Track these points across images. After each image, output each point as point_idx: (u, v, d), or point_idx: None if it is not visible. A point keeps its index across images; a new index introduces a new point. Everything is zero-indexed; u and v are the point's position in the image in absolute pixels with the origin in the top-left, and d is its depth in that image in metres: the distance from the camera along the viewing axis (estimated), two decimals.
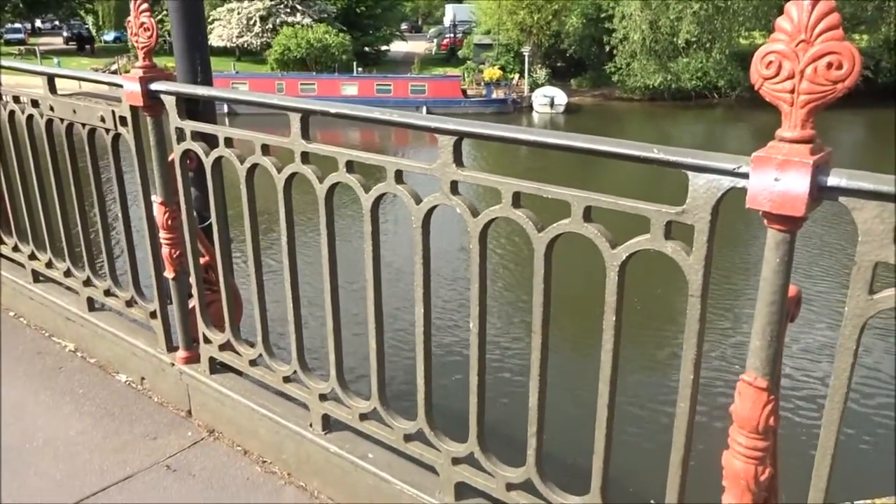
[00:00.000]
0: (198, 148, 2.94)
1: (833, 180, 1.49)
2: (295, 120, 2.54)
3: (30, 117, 3.79)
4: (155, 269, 3.37)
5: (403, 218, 16.23)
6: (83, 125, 3.44)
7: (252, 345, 3.11)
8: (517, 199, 2.07)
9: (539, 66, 47.25)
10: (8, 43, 57.32)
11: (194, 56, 3.30)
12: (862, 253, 1.51)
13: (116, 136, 3.30)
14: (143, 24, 2.97)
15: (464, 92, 43.03)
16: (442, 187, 2.23)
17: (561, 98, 42.38)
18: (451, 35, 64.42)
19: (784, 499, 1.88)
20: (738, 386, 1.73)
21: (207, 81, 3.35)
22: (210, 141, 2.92)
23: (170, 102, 2.99)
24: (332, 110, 2.48)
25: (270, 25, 51.44)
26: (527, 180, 2.06)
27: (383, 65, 55.79)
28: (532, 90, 44.19)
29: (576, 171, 16.99)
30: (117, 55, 51.82)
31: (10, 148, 4.08)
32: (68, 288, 4.10)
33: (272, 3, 51.91)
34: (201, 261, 3.22)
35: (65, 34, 65.80)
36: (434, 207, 2.30)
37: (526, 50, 45.82)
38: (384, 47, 59.35)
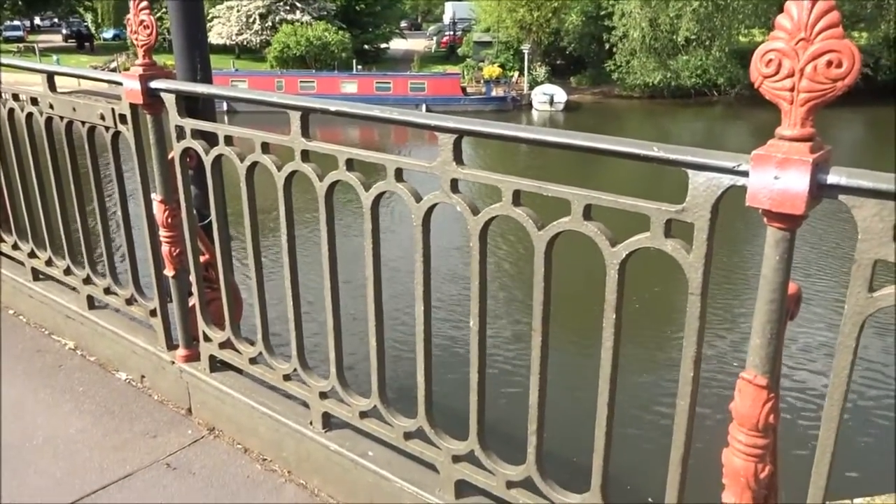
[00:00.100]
0: (198, 146, 2.93)
1: (833, 178, 1.49)
2: (295, 118, 2.54)
3: (29, 115, 3.79)
4: (155, 267, 3.37)
5: (404, 216, 16.23)
6: (83, 123, 3.43)
7: (252, 343, 3.11)
8: (517, 198, 2.07)
9: (539, 63, 47.20)
10: (7, 40, 57.23)
11: (194, 54, 3.30)
12: (861, 251, 1.51)
13: (116, 134, 3.30)
14: (142, 21, 2.97)
15: (463, 90, 42.98)
16: (442, 185, 2.23)
17: (560, 96, 42.36)
18: (451, 33, 64.33)
19: (784, 496, 1.88)
20: (738, 384, 1.73)
21: (207, 79, 3.35)
22: (210, 139, 2.92)
23: (169, 100, 2.99)
24: (332, 108, 2.48)
25: (270, 23, 51.39)
26: (527, 178, 2.06)
27: (383, 62, 55.74)
28: (532, 88, 44.17)
29: (576, 170, 16.99)
30: (116, 53, 51.74)
31: (9, 146, 4.07)
32: (68, 286, 4.10)
33: (271, 0, 51.87)
34: (201, 259, 3.22)
35: (64, 32, 65.73)
36: (434, 206, 2.30)
37: (525, 47, 45.79)
38: (384, 45, 59.29)
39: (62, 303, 4.08)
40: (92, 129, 3.42)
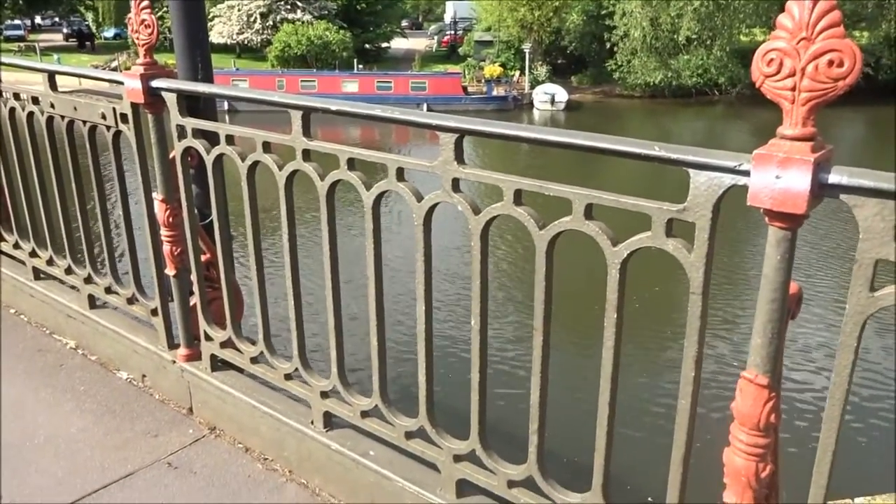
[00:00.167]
0: (199, 145, 2.94)
1: (834, 178, 1.49)
2: (296, 117, 2.54)
3: (30, 114, 3.79)
4: (156, 266, 3.37)
5: (403, 217, 16.24)
6: (84, 122, 3.44)
7: (253, 342, 3.11)
8: (518, 197, 2.07)
9: (540, 63, 47.16)
10: (8, 39, 57.25)
11: (195, 53, 3.30)
12: (863, 250, 1.51)
13: (117, 134, 3.30)
14: (143, 20, 2.97)
15: (464, 89, 42.94)
16: (443, 185, 2.23)
17: (562, 95, 42.32)
18: (452, 32, 64.24)
19: (785, 496, 1.88)
20: (739, 383, 1.73)
21: (208, 78, 3.35)
22: (211, 138, 2.92)
23: (171, 99, 2.99)
24: (333, 107, 2.48)
25: (271, 22, 51.35)
26: (528, 178, 2.06)
27: (384, 62, 55.72)
28: (533, 87, 44.12)
29: (577, 169, 17.01)
30: (117, 52, 51.72)
31: (10, 145, 4.08)
32: (69, 285, 4.10)
33: None
34: (202, 258, 3.22)
35: (65, 31, 65.73)
36: (435, 205, 2.30)
37: (526, 47, 45.75)
38: (385, 44, 59.23)
39: (63, 302, 4.08)
40: (93, 129, 3.42)
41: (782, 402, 1.76)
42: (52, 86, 3.61)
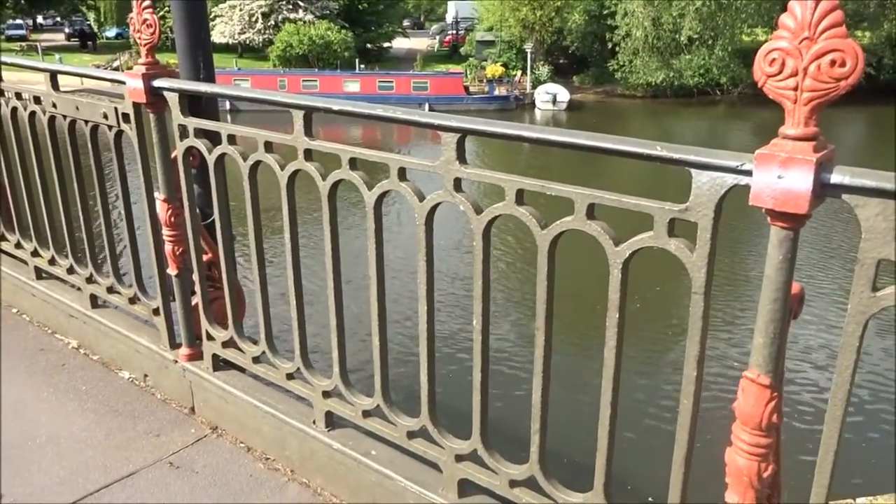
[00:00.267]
0: (201, 145, 2.94)
1: (836, 178, 1.49)
2: (298, 117, 2.54)
3: (32, 114, 3.79)
4: (158, 266, 3.37)
5: (403, 218, 16.25)
6: (86, 122, 3.44)
7: (255, 342, 3.11)
8: (520, 197, 2.07)
9: (541, 62, 47.16)
10: (9, 39, 57.36)
11: (197, 53, 3.30)
12: (865, 250, 1.51)
13: (119, 133, 3.30)
14: (145, 20, 2.98)
15: (466, 89, 42.95)
16: (445, 184, 2.23)
17: (563, 95, 42.30)
18: (454, 32, 64.25)
19: (787, 496, 1.88)
20: (742, 383, 1.73)
21: (210, 78, 3.36)
22: (213, 138, 2.92)
23: (173, 99, 2.99)
24: (335, 107, 2.48)
25: (272, 22, 51.36)
26: (530, 177, 2.06)
27: (385, 61, 55.73)
28: (534, 87, 44.12)
29: (578, 169, 17.00)
30: (119, 52, 51.73)
31: (12, 145, 4.08)
32: (71, 285, 4.11)
33: None
34: (204, 258, 3.22)
35: (67, 30, 65.75)
36: (437, 205, 2.30)
37: (528, 47, 45.74)
38: (386, 44, 59.24)
39: (65, 301, 4.08)
40: (95, 128, 3.42)
41: (784, 403, 1.75)
42: (54, 85, 3.62)
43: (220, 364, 3.32)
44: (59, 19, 71.90)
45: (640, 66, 43.23)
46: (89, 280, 3.90)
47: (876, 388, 10.48)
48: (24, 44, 56.88)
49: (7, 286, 4.51)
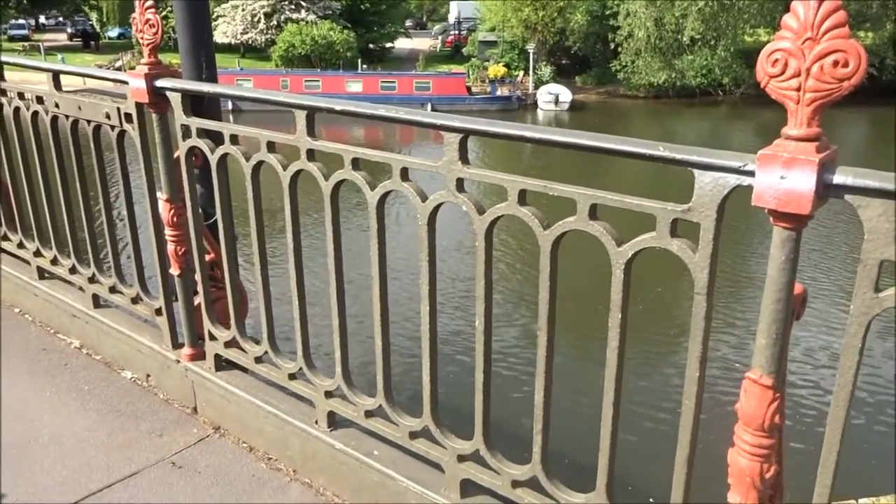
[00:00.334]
0: (203, 145, 2.94)
1: (839, 178, 1.49)
2: (300, 117, 2.54)
3: (35, 114, 3.80)
4: (160, 266, 3.37)
5: (402, 219, 16.25)
6: (88, 122, 3.44)
7: (258, 342, 3.11)
8: (523, 197, 2.07)
9: (544, 63, 47.11)
10: (12, 39, 57.39)
11: (199, 53, 3.31)
12: (867, 251, 1.51)
13: (122, 133, 3.30)
14: (148, 20, 2.98)
15: (468, 89, 42.93)
16: (448, 185, 2.23)
17: (566, 95, 42.27)
18: (456, 32, 64.23)
19: (789, 496, 1.88)
20: (744, 384, 1.73)
21: (212, 78, 3.36)
22: (215, 138, 2.92)
23: (175, 99, 2.99)
24: (338, 107, 2.48)
25: (275, 22, 51.35)
26: (532, 178, 2.06)
27: (388, 62, 55.72)
28: (537, 87, 44.10)
29: (581, 169, 16.99)
30: (122, 52, 51.70)
31: (15, 145, 4.08)
32: (73, 285, 4.11)
33: None
34: (206, 258, 3.23)
35: (69, 30, 65.81)
36: (440, 205, 2.30)
37: (531, 47, 45.70)
38: (389, 44, 59.21)
39: (67, 301, 4.08)
40: (97, 128, 3.43)
41: (786, 403, 1.75)
42: (57, 85, 3.62)
43: (222, 364, 3.32)
44: (61, 19, 72.06)
45: (642, 67, 43.19)
46: (91, 280, 3.90)
47: (878, 389, 10.47)
48: (26, 44, 56.88)
49: (9, 286, 4.52)
